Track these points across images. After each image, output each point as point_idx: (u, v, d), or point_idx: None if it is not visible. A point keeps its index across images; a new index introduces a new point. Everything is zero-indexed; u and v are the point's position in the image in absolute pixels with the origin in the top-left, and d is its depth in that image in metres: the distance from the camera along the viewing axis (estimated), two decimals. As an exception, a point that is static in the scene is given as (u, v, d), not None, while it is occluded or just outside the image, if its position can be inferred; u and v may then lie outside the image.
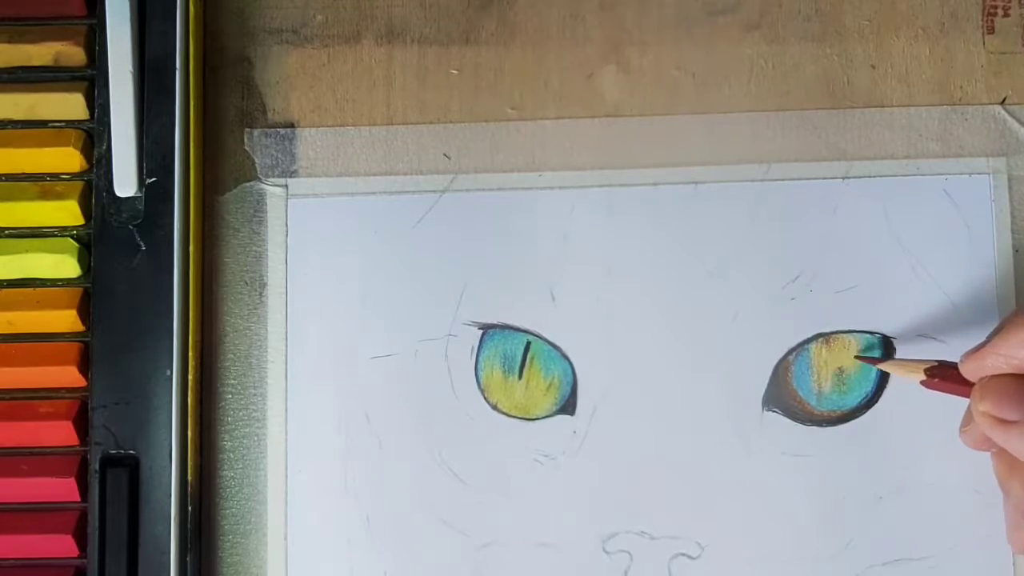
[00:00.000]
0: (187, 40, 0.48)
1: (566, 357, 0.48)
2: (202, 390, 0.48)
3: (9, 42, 0.48)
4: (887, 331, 0.47)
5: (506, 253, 0.48)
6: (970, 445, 0.45)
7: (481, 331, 0.48)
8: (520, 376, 0.48)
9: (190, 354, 0.47)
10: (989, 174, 0.48)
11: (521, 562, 0.47)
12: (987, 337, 0.42)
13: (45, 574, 0.46)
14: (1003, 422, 0.41)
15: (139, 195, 0.47)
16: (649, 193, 0.48)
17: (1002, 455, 0.44)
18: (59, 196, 0.48)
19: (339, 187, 0.49)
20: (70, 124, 0.48)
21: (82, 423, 0.47)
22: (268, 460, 0.48)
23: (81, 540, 0.46)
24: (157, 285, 0.47)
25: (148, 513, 0.46)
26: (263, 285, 0.49)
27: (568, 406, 0.48)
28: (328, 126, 0.49)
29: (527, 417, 0.48)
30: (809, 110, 0.49)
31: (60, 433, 0.47)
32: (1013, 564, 0.46)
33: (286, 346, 0.48)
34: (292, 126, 0.49)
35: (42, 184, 0.48)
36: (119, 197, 0.47)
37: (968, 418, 0.44)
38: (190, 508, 0.47)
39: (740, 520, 0.47)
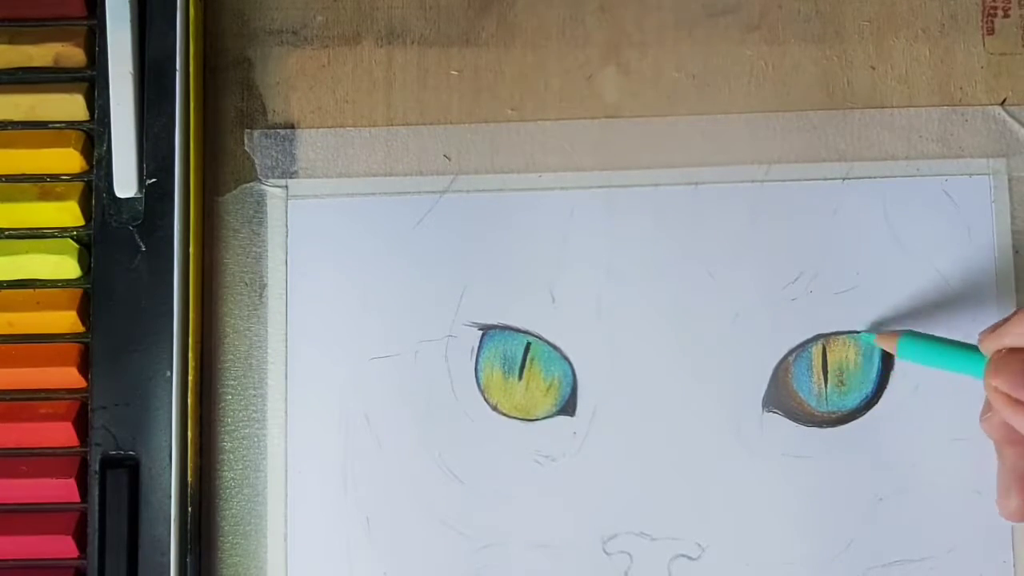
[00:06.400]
0: (187, 41, 0.48)
1: (566, 358, 0.48)
2: (202, 391, 0.48)
3: (9, 43, 0.48)
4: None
5: (506, 254, 0.48)
6: (991, 434, 0.44)
7: (481, 332, 0.48)
8: (520, 377, 0.48)
9: (190, 355, 0.47)
10: (989, 175, 0.48)
11: (521, 563, 0.47)
12: (1007, 316, 0.41)
13: (45, 575, 0.46)
14: (1016, 401, 0.40)
15: (139, 196, 0.47)
16: (649, 194, 0.48)
17: (998, 419, 0.42)
18: (59, 197, 0.48)
19: (339, 188, 0.49)
20: (70, 125, 0.48)
21: (82, 424, 0.47)
22: (268, 460, 0.48)
23: (81, 541, 0.46)
24: (157, 286, 0.47)
25: (148, 514, 0.46)
26: (263, 286, 0.49)
27: (568, 407, 0.48)
28: (328, 127, 0.49)
29: (527, 418, 0.48)
30: (809, 111, 0.49)
31: (60, 434, 0.47)
32: (1013, 564, 0.46)
33: (286, 346, 0.48)
34: (292, 127, 0.49)
35: (42, 185, 0.48)
36: (119, 198, 0.47)
37: (988, 406, 0.43)
38: (190, 509, 0.47)
39: (740, 521, 0.47)
